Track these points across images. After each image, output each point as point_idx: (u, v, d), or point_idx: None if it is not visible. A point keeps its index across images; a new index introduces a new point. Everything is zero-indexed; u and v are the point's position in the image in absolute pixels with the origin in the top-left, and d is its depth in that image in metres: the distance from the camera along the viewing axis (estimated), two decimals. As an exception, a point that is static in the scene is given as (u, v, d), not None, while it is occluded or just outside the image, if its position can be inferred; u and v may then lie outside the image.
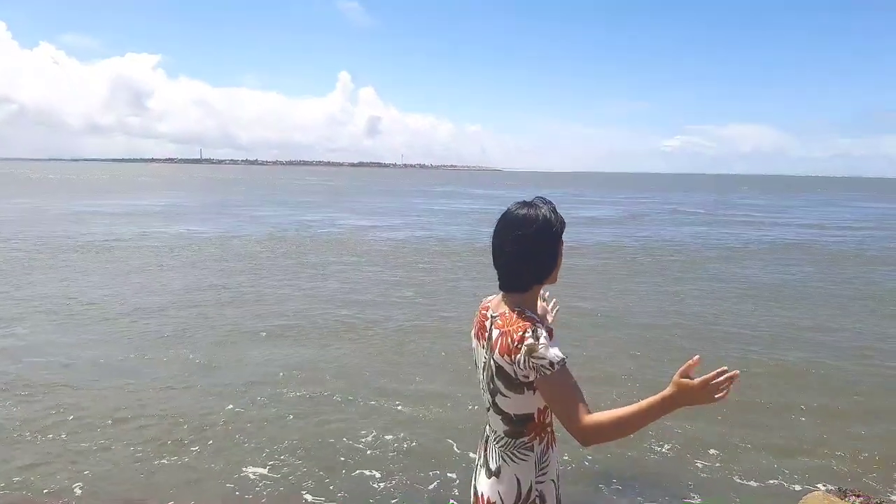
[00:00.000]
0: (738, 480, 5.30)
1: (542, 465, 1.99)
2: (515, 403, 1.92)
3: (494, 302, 2.04)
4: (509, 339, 1.85)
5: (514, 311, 1.91)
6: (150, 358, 8.18)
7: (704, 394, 1.69)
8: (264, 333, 9.48)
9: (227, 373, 7.72)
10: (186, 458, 5.53)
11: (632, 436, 1.87)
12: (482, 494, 2.03)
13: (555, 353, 1.81)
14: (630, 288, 13.50)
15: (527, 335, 1.82)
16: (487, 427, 2.09)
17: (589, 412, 1.78)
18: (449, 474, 5.34)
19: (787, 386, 7.52)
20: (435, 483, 5.23)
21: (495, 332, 1.92)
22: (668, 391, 1.73)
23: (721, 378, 1.68)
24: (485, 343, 1.98)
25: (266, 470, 5.34)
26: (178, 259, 16.50)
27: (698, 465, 5.59)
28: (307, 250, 18.70)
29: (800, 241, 23.14)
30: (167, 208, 34.05)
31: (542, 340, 1.81)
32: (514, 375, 1.87)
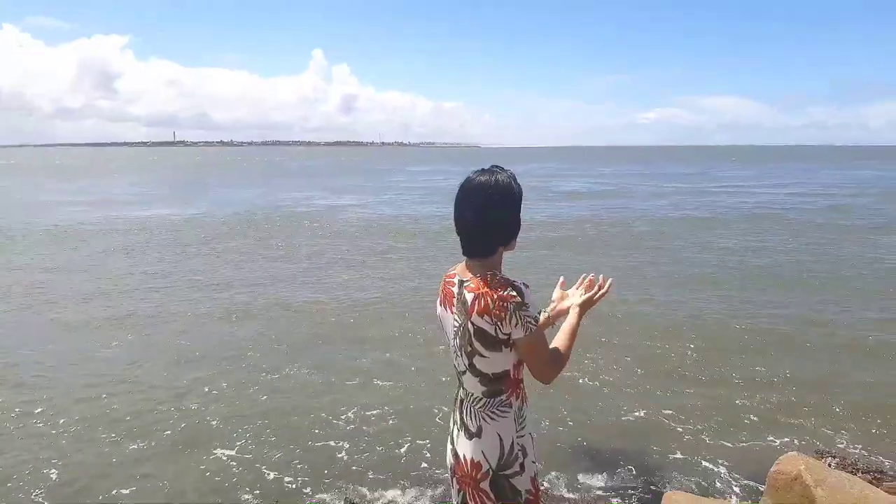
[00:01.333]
0: (716, 443, 5.56)
1: (521, 420, 2.08)
2: (494, 362, 2.01)
3: (460, 269, 2.10)
4: (489, 300, 1.93)
5: (486, 275, 1.98)
6: (115, 343, 8.24)
7: (588, 302, 2.28)
8: (226, 314, 9.59)
9: (189, 354, 7.83)
10: (155, 438, 5.65)
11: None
12: (464, 456, 2.09)
13: (535, 311, 1.96)
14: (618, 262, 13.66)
15: (512, 294, 1.92)
16: (461, 391, 2.14)
17: (552, 359, 2.05)
18: (419, 441, 5.56)
19: (765, 355, 7.74)
20: (406, 447, 5.47)
21: (469, 296, 1.98)
22: (578, 311, 2.23)
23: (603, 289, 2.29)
24: (454, 309, 2.05)
25: (234, 451, 5.47)
26: (140, 243, 16.50)
27: (678, 429, 5.84)
28: (275, 231, 18.73)
29: (771, 211, 23.48)
30: (137, 193, 33.63)
31: (527, 298, 1.94)
32: (494, 334, 1.95)
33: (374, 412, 6.20)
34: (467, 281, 2.03)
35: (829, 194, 30.91)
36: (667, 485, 4.76)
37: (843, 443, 5.53)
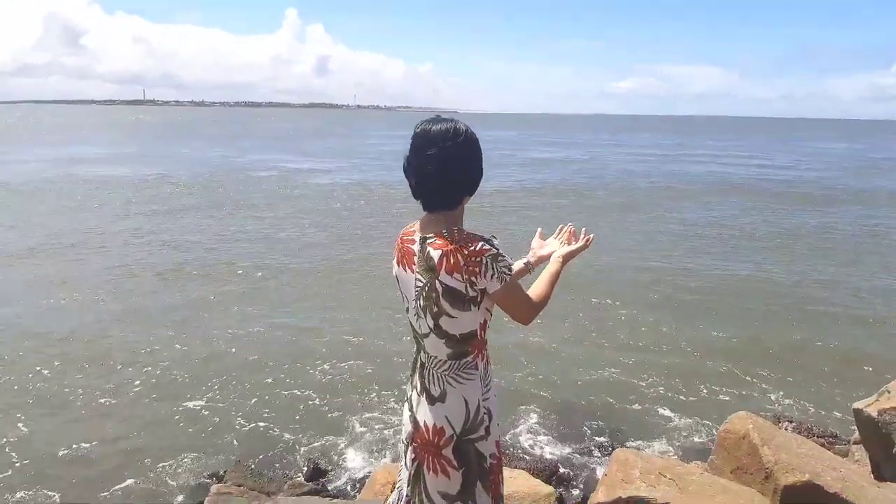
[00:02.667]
0: (669, 404, 5.64)
1: (487, 382, 1.98)
2: (461, 322, 1.89)
3: (418, 226, 1.96)
4: (459, 256, 1.81)
5: (452, 231, 1.86)
6: (69, 300, 8.05)
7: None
8: (173, 274, 9.46)
9: (147, 315, 7.68)
10: (129, 396, 5.62)
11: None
12: (425, 423, 1.98)
13: (509, 260, 1.88)
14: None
15: (486, 247, 1.82)
16: (422, 354, 2.02)
17: (531, 302, 1.98)
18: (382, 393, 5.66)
19: (726, 319, 7.85)
20: (360, 406, 5.49)
21: (436, 253, 1.85)
22: (560, 260, 2.15)
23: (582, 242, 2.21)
24: (415, 268, 1.92)
25: (204, 401, 5.51)
26: (95, 202, 16.02)
27: (633, 390, 5.92)
28: (234, 193, 18.29)
29: (737, 182, 23.67)
30: (105, 153, 32.66)
31: (501, 249, 1.85)
32: (464, 292, 1.84)
33: (334, 370, 6.20)
34: (430, 237, 1.89)
35: (790, 167, 31.24)
36: (618, 443, 4.79)
37: (798, 408, 5.62)
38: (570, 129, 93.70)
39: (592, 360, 6.58)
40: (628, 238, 12.75)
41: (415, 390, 2.06)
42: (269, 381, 5.99)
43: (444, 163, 1.87)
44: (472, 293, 1.86)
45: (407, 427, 2.06)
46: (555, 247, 2.26)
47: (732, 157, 36.78)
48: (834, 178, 25.38)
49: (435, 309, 1.91)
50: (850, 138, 67.42)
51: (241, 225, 13.35)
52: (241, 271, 9.71)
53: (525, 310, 1.97)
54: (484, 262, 1.81)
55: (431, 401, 1.98)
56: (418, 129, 1.92)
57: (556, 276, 2.10)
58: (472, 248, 1.82)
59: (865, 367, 6.43)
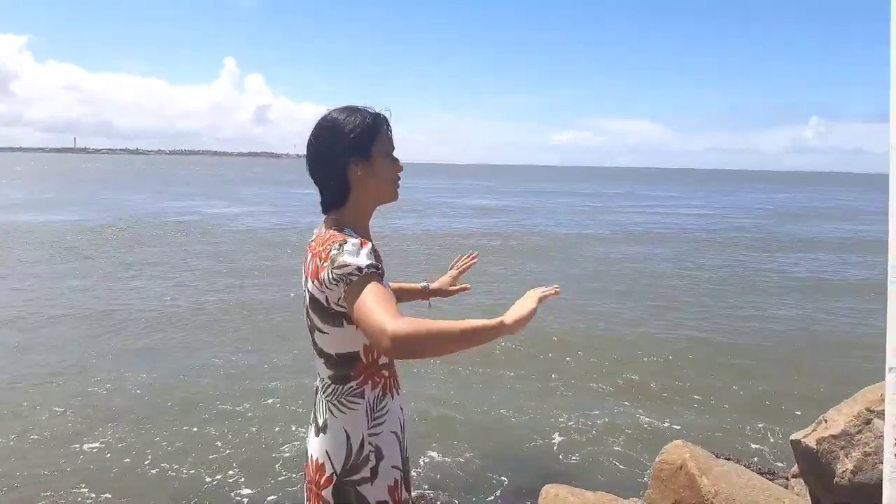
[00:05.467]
0: (601, 438, 5.38)
1: (378, 415, 1.65)
2: (335, 340, 1.62)
3: (318, 228, 1.73)
4: (318, 260, 1.56)
5: (329, 230, 1.63)
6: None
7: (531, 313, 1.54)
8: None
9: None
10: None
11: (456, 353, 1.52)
12: (311, 456, 1.69)
13: (363, 259, 1.50)
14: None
15: (333, 248, 1.53)
16: (318, 377, 1.74)
17: (400, 317, 1.40)
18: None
19: (659, 359, 7.63)
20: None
21: (309, 256, 1.63)
22: (507, 319, 1.49)
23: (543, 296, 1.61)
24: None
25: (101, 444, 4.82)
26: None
27: (563, 426, 5.57)
28: (145, 238, 17.30)
29: (663, 230, 24.21)
30: (19, 198, 31.07)
31: (347, 248, 1.51)
32: (326, 304, 1.57)
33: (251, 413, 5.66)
34: (313, 240, 1.66)
35: (718, 215, 32.36)
36: (547, 479, 4.46)
37: (737, 444, 5.43)
38: (510, 179, 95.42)
39: (514, 392, 6.33)
40: (554, 277, 12.70)
41: (311, 418, 1.78)
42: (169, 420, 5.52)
43: (313, 159, 1.70)
44: (335, 308, 1.56)
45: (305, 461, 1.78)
46: (526, 301, 1.60)
47: (664, 207, 37.89)
48: (764, 225, 26.33)
49: (309, 322, 1.67)
50: (775, 189, 70.81)
51: (136, 270, 12.53)
52: (125, 315, 9.06)
53: (373, 327, 1.40)
54: (325, 266, 1.52)
55: (317, 431, 1.70)
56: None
57: (483, 331, 1.44)
58: (326, 251, 1.53)
59: (801, 399, 6.36)
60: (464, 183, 70.68)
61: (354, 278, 1.48)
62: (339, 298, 1.53)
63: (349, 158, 1.65)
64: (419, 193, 41.44)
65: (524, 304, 1.54)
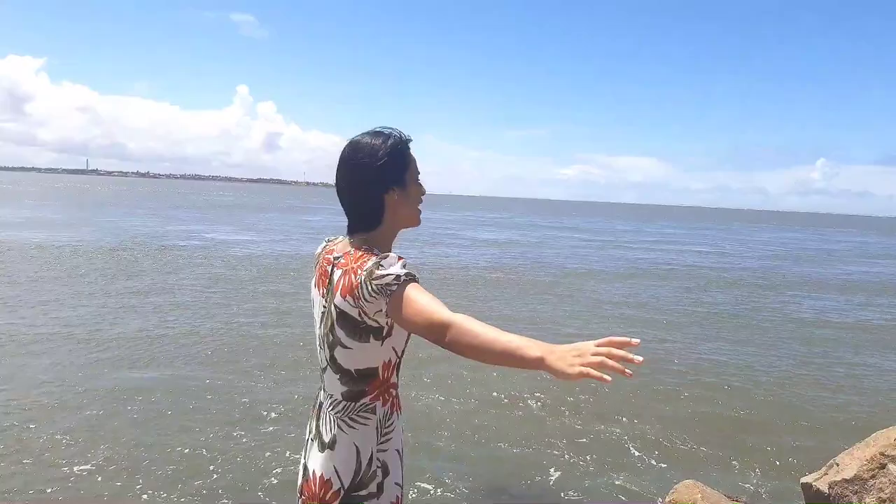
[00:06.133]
0: (604, 478, 5.21)
1: (386, 431, 1.73)
2: (358, 356, 1.68)
3: (340, 245, 1.81)
4: (352, 277, 1.62)
5: (360, 249, 1.70)
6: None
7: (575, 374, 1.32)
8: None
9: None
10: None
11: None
12: (314, 472, 1.73)
13: (400, 269, 1.57)
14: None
15: (370, 263, 1.60)
16: (322, 393, 1.82)
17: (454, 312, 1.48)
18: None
19: (668, 396, 7.49)
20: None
21: (337, 273, 1.68)
22: (546, 354, 1.34)
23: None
24: (324, 290, 1.75)
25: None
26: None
27: (564, 464, 5.43)
28: (140, 260, 17.16)
29: (669, 266, 24.07)
30: (27, 217, 31.19)
31: (386, 262, 1.59)
32: (359, 319, 1.62)
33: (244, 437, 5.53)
34: (340, 256, 1.72)
35: (725, 252, 32.21)
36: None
37: (745, 485, 5.27)
38: (514, 211, 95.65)
39: (519, 427, 6.19)
40: (554, 312, 12.61)
41: (310, 434, 1.82)
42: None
43: (348, 183, 1.77)
44: (369, 322, 1.61)
45: (299, 477, 1.83)
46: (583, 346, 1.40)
47: (667, 244, 37.81)
48: (768, 265, 26.18)
49: (331, 338, 1.70)
50: (779, 229, 70.70)
51: (129, 292, 12.34)
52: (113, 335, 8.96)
53: (432, 320, 1.45)
54: (362, 280, 1.58)
55: (322, 447, 1.73)
56: (348, 142, 1.81)
57: (520, 355, 1.37)
58: (361, 264, 1.62)
59: (810, 440, 6.20)
60: (470, 215, 70.81)
61: (394, 287, 1.53)
62: (378, 311, 1.57)
63: (388, 186, 1.73)
64: (426, 225, 41.39)
65: (568, 362, 1.32)
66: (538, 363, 1.34)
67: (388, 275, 1.55)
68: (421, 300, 1.50)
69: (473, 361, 1.49)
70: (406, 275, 1.56)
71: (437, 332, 1.44)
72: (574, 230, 47.66)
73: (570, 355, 1.32)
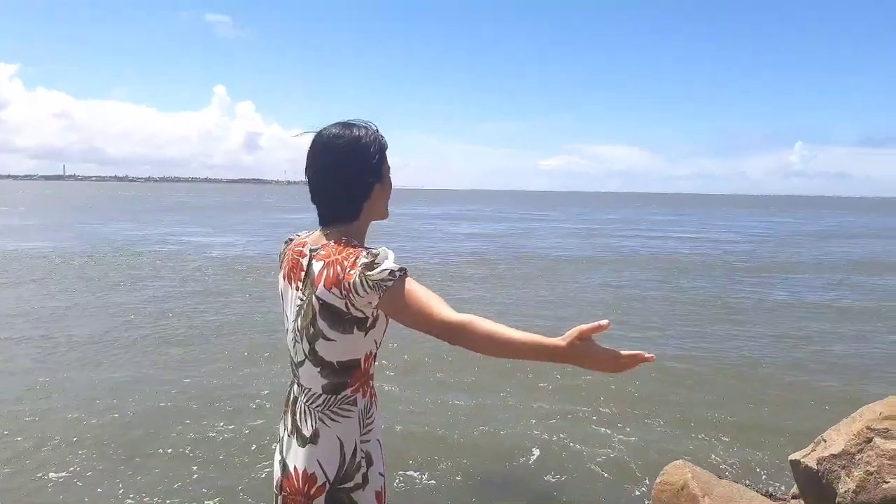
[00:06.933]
0: (598, 458, 5.21)
1: (367, 422, 1.75)
2: (341, 347, 1.66)
3: (313, 237, 1.78)
4: (338, 268, 1.61)
5: (340, 241, 1.68)
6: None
7: (610, 365, 1.50)
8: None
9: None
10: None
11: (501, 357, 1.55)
12: (294, 468, 1.72)
13: (393, 264, 1.58)
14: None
15: (362, 257, 1.59)
16: (295, 388, 1.80)
17: (455, 311, 1.54)
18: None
19: (667, 380, 7.48)
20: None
21: (317, 266, 1.65)
22: (561, 345, 1.48)
23: (633, 360, 1.48)
24: (300, 283, 1.73)
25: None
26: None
27: (554, 443, 5.39)
28: (121, 266, 16.71)
29: (647, 253, 24.15)
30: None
31: (379, 257, 1.59)
32: (345, 310, 1.61)
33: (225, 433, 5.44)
34: (317, 249, 1.70)
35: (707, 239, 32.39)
36: (530, 500, 4.32)
37: (734, 463, 5.28)
38: (500, 203, 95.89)
39: (509, 410, 6.17)
40: (538, 300, 12.63)
41: (286, 430, 1.81)
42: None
43: (327, 174, 1.73)
44: (354, 312, 1.61)
45: (276, 474, 1.81)
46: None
47: (656, 231, 38.02)
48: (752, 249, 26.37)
49: (311, 330, 1.67)
50: (763, 213, 71.42)
51: (104, 295, 12.19)
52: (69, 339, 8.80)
53: (439, 313, 1.51)
54: (356, 274, 1.57)
55: (302, 442, 1.72)
56: (318, 133, 1.77)
57: (543, 351, 1.48)
58: (350, 260, 1.60)
59: (796, 418, 6.22)
60: (454, 209, 70.82)
61: (390, 283, 1.54)
62: (368, 304, 1.58)
63: (371, 180, 1.74)
64: (410, 220, 41.33)
65: (600, 356, 1.49)
66: (557, 360, 1.48)
67: (384, 270, 1.56)
68: (423, 298, 1.54)
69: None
70: (400, 269, 1.57)
71: (446, 333, 1.52)
72: (560, 221, 47.84)
73: (603, 362, 1.49)
